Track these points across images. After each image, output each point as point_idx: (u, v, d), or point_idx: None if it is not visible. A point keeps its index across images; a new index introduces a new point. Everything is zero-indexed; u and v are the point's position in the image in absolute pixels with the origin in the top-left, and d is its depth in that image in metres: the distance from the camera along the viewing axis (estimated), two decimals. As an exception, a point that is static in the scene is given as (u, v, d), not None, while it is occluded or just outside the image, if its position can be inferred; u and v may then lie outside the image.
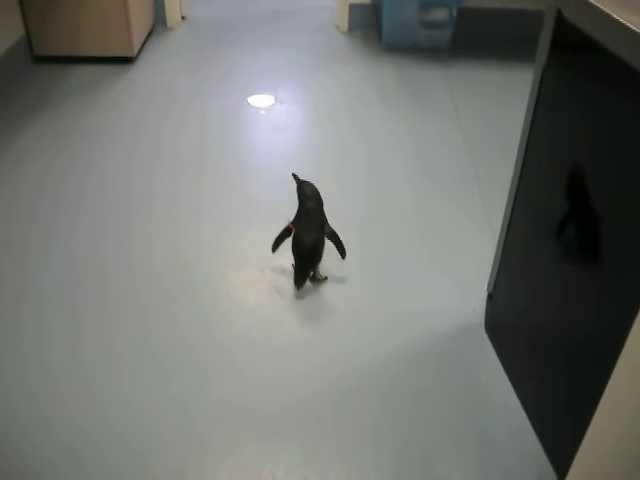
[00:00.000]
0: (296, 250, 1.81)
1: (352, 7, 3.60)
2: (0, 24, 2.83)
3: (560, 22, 1.20)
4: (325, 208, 1.86)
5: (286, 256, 1.85)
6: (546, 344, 1.39)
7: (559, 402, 1.35)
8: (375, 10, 3.61)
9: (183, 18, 3.74)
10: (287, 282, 1.86)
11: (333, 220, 1.85)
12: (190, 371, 1.59)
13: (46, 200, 2.18)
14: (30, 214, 2.11)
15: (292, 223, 1.83)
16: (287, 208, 1.85)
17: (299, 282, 1.82)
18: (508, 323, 1.61)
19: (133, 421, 1.46)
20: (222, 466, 1.38)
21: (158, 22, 3.60)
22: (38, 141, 2.50)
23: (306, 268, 1.83)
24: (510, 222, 1.52)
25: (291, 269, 1.86)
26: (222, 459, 1.39)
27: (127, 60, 3.14)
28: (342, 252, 1.86)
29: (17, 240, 1.99)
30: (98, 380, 1.55)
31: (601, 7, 1.02)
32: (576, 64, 1.23)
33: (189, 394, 1.53)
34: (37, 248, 1.96)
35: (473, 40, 3.38)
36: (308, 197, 1.85)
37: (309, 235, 1.80)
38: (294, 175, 1.89)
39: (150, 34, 3.48)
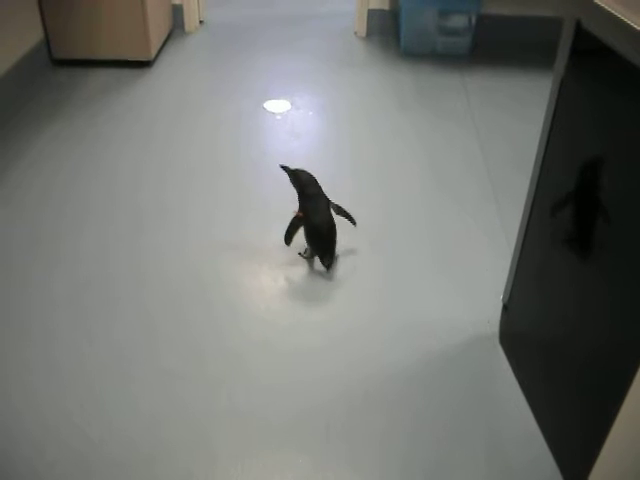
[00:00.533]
0: (315, 235, 1.84)
1: (371, 13, 3.59)
2: (20, 27, 2.85)
3: (579, 32, 1.18)
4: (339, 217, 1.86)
5: (299, 263, 1.84)
6: (562, 355, 1.37)
7: (573, 415, 1.32)
8: (394, 16, 3.60)
9: (201, 22, 3.75)
10: (299, 289, 1.85)
11: (345, 228, 1.84)
12: (200, 377, 1.58)
13: (54, 204, 2.18)
14: (38, 217, 2.12)
15: (299, 211, 1.84)
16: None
17: (328, 263, 1.86)
18: (523, 334, 1.58)
19: (141, 427, 1.45)
20: (230, 474, 1.36)
21: (176, 26, 3.61)
22: (54, 143, 2.52)
23: (330, 249, 1.86)
24: (526, 232, 1.50)
25: (302, 275, 1.85)
26: (231, 468, 1.38)
27: (145, 64, 3.15)
28: (353, 221, 1.93)
29: (25, 244, 2.00)
30: (105, 386, 1.55)
31: (620, 17, 1.01)
32: (595, 74, 1.21)
33: (198, 401, 1.52)
34: (44, 252, 1.96)
35: (492, 47, 3.36)
36: (307, 183, 1.86)
37: (322, 217, 1.83)
38: (283, 167, 1.89)
39: (168, 38, 3.49)
